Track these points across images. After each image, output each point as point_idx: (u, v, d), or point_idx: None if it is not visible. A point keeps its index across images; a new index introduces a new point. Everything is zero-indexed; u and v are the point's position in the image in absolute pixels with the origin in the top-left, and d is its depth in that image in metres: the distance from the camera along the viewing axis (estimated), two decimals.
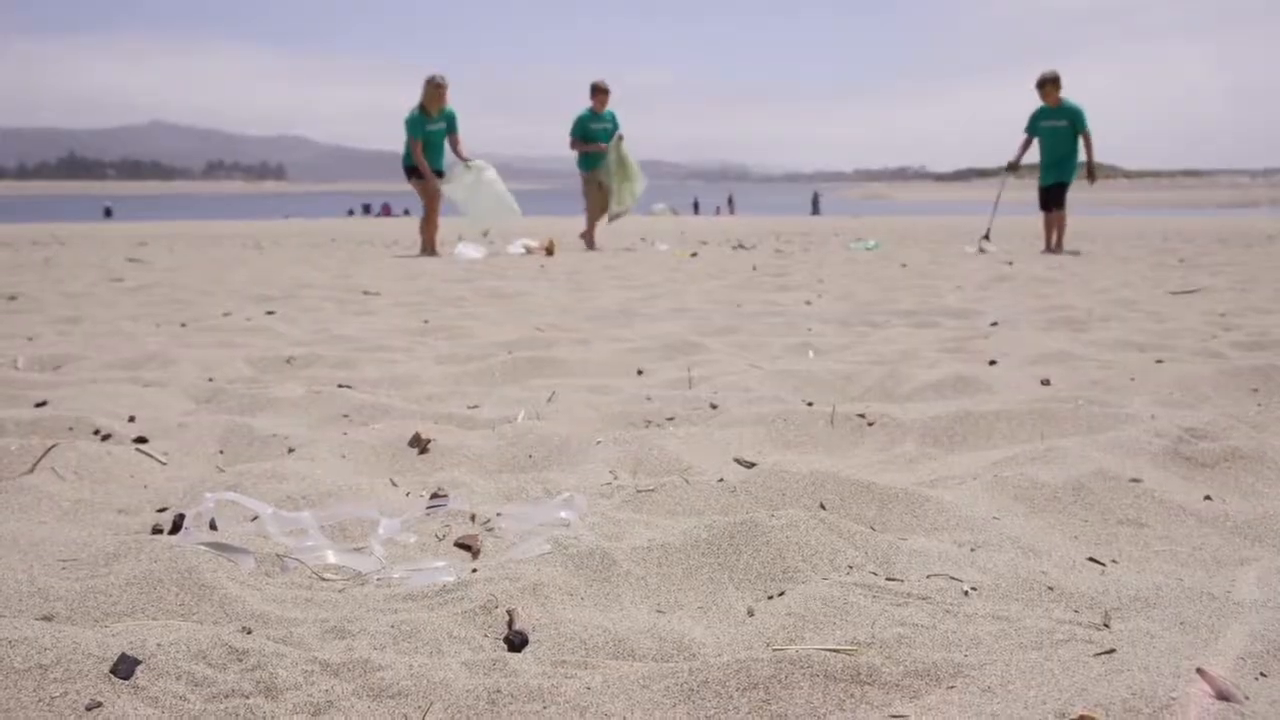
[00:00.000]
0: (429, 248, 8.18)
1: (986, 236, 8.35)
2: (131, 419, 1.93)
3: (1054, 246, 7.76)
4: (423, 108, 8.09)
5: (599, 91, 9.18)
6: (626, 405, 2.11)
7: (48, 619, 0.98)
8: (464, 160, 8.32)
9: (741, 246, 9.74)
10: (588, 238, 9.26)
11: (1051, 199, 7.76)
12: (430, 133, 8.08)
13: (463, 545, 1.21)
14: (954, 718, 0.77)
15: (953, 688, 0.83)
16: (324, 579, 1.13)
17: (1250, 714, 0.74)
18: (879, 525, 1.30)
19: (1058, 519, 1.34)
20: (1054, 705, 0.76)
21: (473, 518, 1.29)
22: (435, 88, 8.03)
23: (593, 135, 9.08)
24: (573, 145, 9.15)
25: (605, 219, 9.27)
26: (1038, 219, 8.21)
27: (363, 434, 1.70)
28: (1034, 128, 7.77)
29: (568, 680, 0.83)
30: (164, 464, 1.65)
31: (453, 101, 8.06)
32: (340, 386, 2.30)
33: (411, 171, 8.26)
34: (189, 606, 1.02)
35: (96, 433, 1.79)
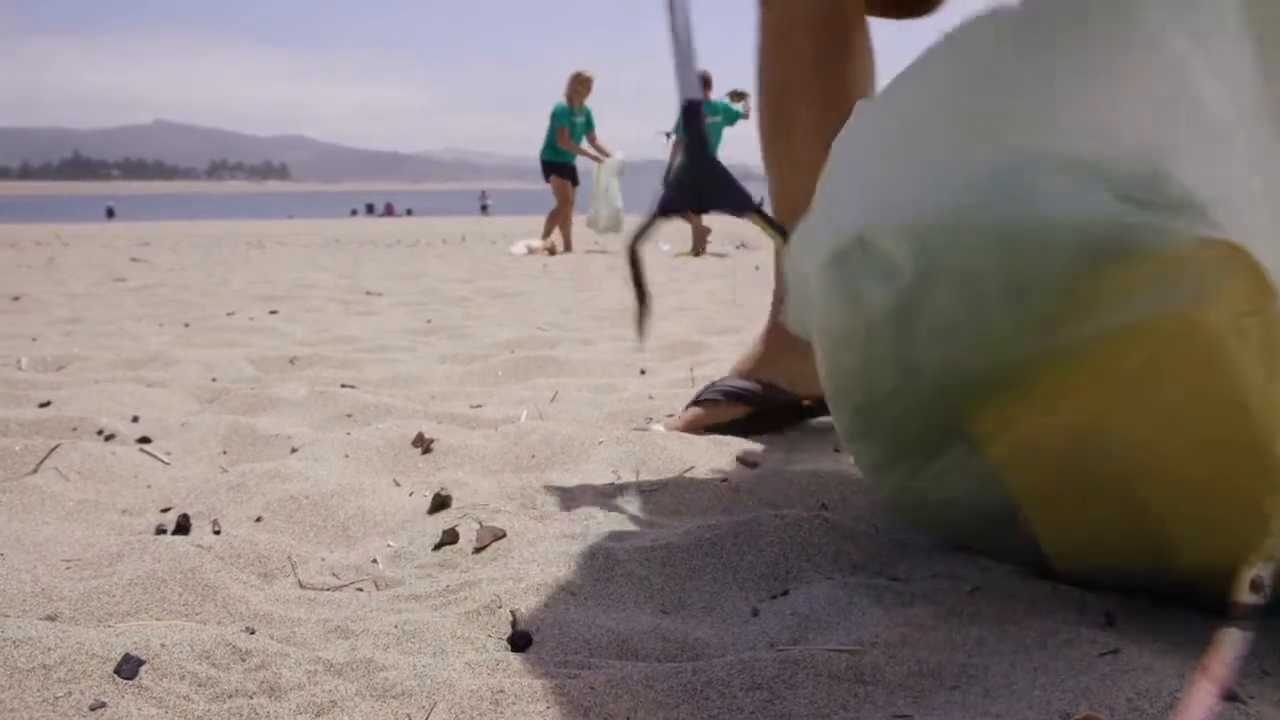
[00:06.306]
0: (565, 244, 8.19)
1: None
2: (135, 419, 1.93)
3: None
4: (570, 101, 8.15)
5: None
6: (629, 404, 2.11)
7: (51, 619, 0.98)
8: (600, 154, 8.29)
9: (744, 246, 9.74)
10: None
11: None
12: (574, 124, 8.18)
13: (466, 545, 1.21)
14: (958, 718, 0.77)
15: (956, 688, 0.83)
16: (327, 579, 1.13)
17: (1255, 714, 0.74)
18: (881, 525, 1.30)
19: None
20: (1058, 706, 0.76)
21: (477, 519, 1.29)
22: (583, 82, 8.12)
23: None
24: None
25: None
26: None
27: (366, 434, 1.70)
28: None
29: (571, 680, 0.83)
30: (167, 464, 1.65)
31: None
32: (343, 386, 2.30)
33: (551, 168, 8.24)
34: (192, 607, 1.02)
35: (100, 433, 1.80)
